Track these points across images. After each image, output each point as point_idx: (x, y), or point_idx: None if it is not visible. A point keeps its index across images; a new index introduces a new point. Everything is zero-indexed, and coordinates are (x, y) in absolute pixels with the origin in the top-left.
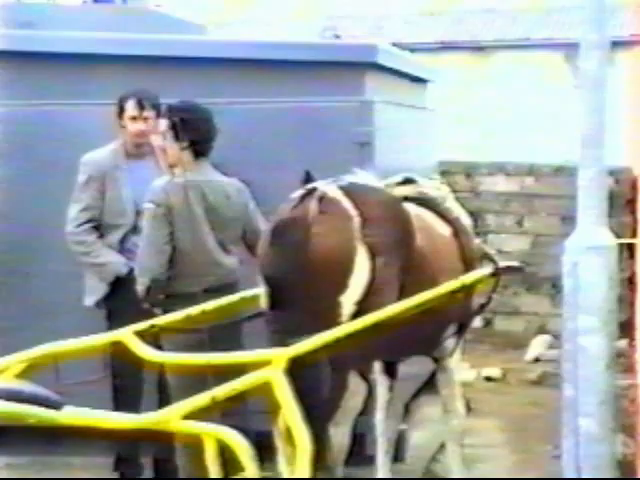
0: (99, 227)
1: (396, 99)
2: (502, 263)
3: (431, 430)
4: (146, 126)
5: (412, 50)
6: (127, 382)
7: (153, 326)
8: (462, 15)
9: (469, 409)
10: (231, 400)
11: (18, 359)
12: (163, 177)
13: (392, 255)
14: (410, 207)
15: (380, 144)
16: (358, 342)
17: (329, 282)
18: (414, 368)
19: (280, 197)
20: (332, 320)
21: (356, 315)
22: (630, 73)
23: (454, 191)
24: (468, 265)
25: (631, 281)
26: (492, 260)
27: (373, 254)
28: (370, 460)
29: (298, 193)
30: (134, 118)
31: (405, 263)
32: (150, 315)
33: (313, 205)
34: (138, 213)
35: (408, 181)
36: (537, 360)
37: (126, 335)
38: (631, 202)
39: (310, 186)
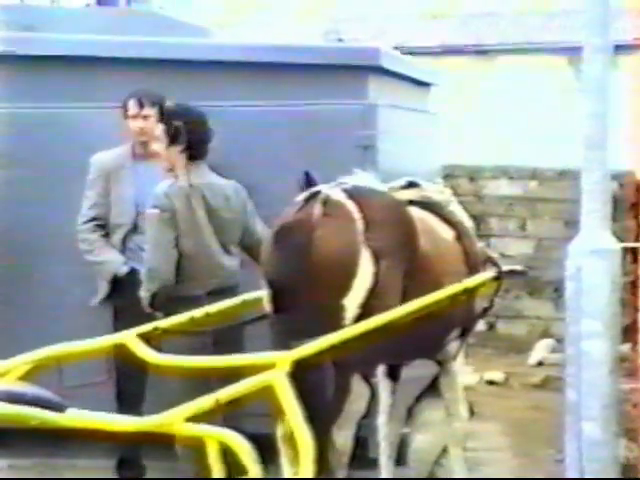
0: (105, 226)
1: (399, 102)
2: (505, 267)
3: (434, 434)
4: (146, 124)
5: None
6: (131, 384)
7: (156, 328)
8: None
9: (472, 413)
10: (234, 403)
11: (21, 361)
12: (165, 181)
13: (396, 258)
14: (413, 211)
15: (383, 147)
16: (361, 345)
17: (332, 285)
18: (417, 371)
19: (283, 200)
20: (335, 323)
21: (359, 318)
22: (633, 77)
23: (457, 195)
24: (471, 269)
25: (634, 285)
26: (495, 264)
27: (377, 257)
28: (373, 463)
29: (302, 196)
30: (134, 116)
31: (409, 266)
32: (154, 316)
33: (317, 208)
34: (139, 214)
35: (411, 185)
36: (540, 364)
37: (129, 338)
38: (634, 206)
39: (314, 189)
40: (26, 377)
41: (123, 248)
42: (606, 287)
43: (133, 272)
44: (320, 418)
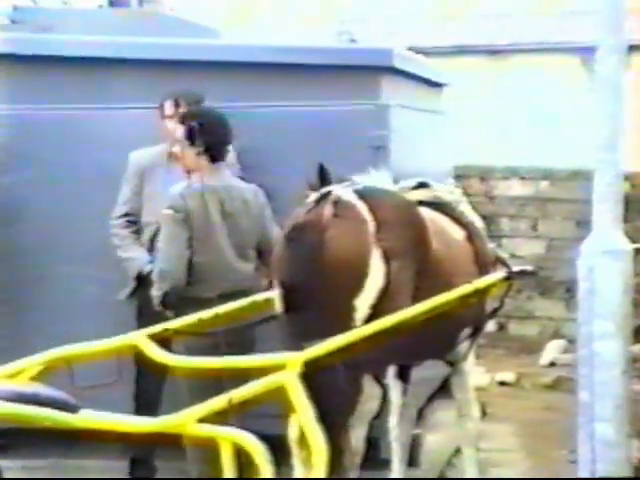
0: (137, 222)
1: (411, 103)
2: (516, 267)
3: (445, 434)
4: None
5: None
6: (148, 384)
7: (167, 329)
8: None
9: (484, 413)
10: (246, 404)
11: (33, 362)
12: (181, 183)
13: (407, 259)
14: (424, 211)
15: (395, 148)
16: (373, 346)
17: (344, 286)
18: (428, 372)
19: (294, 201)
20: (347, 324)
21: (370, 319)
22: (637, 76)
23: (469, 195)
24: (482, 269)
25: None
26: (505, 264)
27: (388, 258)
28: (385, 464)
29: (313, 197)
30: (170, 117)
31: (420, 267)
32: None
33: (328, 209)
34: None
35: (422, 185)
36: (552, 364)
37: (140, 338)
38: None
39: (324, 190)
40: (38, 378)
41: (151, 247)
42: (618, 288)
43: None
44: (331, 419)
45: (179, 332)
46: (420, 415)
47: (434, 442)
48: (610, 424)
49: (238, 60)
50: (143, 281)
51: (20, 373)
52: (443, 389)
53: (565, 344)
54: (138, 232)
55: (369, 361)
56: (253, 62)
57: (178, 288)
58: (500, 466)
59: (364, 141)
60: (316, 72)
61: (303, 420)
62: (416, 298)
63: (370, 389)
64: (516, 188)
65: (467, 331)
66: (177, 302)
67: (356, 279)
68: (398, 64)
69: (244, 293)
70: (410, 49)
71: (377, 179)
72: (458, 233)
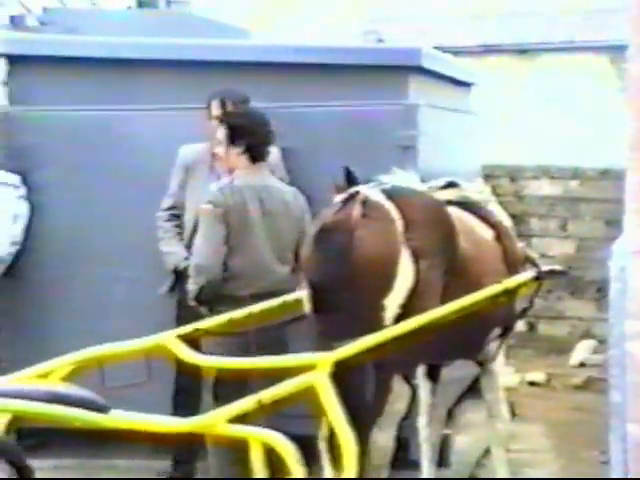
0: (180, 217)
1: (440, 102)
2: (545, 267)
3: (475, 435)
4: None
5: (455, 53)
6: (188, 385)
7: (197, 330)
8: (506, 18)
9: (513, 414)
10: (275, 404)
11: (64, 362)
12: (223, 180)
13: (435, 258)
14: (453, 210)
15: (424, 148)
16: (402, 345)
17: (373, 285)
18: (457, 372)
19: (323, 201)
20: (376, 323)
21: (400, 318)
22: None
23: (498, 195)
24: (511, 269)
25: None
26: (535, 264)
27: (416, 257)
28: (414, 465)
29: (340, 197)
30: (217, 117)
31: (448, 266)
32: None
33: (356, 209)
34: None
35: (450, 185)
36: (582, 365)
37: (170, 339)
38: None
39: (353, 190)
40: (68, 378)
41: (190, 242)
42: None
43: None
44: (361, 419)
45: (209, 332)
46: (450, 415)
47: (464, 442)
48: None
49: (266, 61)
50: (181, 276)
51: (51, 373)
52: (473, 389)
53: (595, 344)
54: (181, 227)
55: (398, 361)
56: (282, 62)
57: (213, 283)
58: (530, 467)
59: (392, 141)
60: (344, 72)
61: (333, 420)
62: (445, 298)
63: (399, 389)
64: (546, 187)
65: (497, 331)
66: (212, 298)
67: (385, 279)
68: (426, 64)
69: (278, 295)
70: (438, 48)
71: (405, 179)
72: (487, 233)
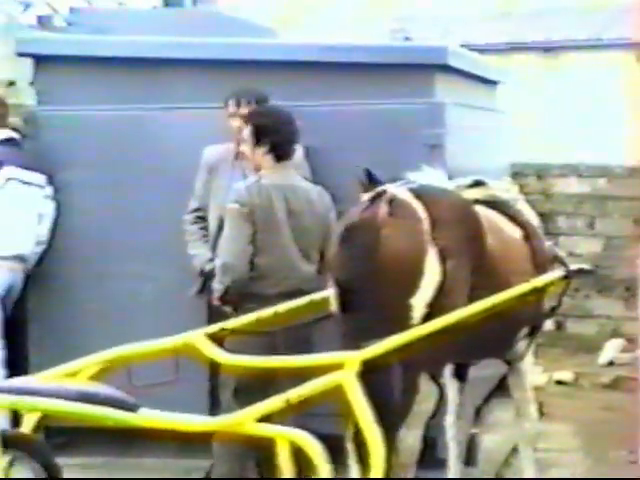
0: (206, 219)
1: (466, 101)
2: (573, 266)
3: (503, 434)
4: (242, 123)
5: (481, 51)
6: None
7: (224, 329)
8: (532, 16)
9: (541, 413)
10: (303, 403)
11: (92, 361)
12: (248, 179)
13: (462, 257)
14: (480, 210)
15: (451, 146)
16: (429, 345)
17: (400, 284)
18: (485, 371)
19: (350, 200)
20: (403, 323)
21: (427, 318)
22: None
23: (525, 193)
24: (539, 268)
25: None
26: (563, 263)
27: (443, 256)
28: (442, 464)
29: (367, 196)
30: (232, 115)
31: (475, 265)
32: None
33: (383, 208)
34: None
35: (477, 183)
36: (611, 364)
37: (197, 337)
38: None
39: (379, 189)
40: (97, 377)
41: (215, 243)
42: None
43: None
44: (388, 418)
45: (237, 331)
46: (477, 414)
47: (491, 442)
48: None
49: (293, 59)
50: (209, 278)
51: (79, 372)
52: (500, 388)
53: (624, 343)
54: (206, 228)
55: (426, 360)
56: (309, 61)
57: (239, 283)
58: (558, 466)
59: (419, 139)
60: (371, 71)
61: (361, 419)
62: (472, 297)
63: (427, 388)
64: (573, 186)
65: (525, 330)
66: (237, 298)
67: (412, 278)
68: (453, 62)
69: (304, 293)
70: (464, 46)
71: (432, 177)
72: (515, 232)
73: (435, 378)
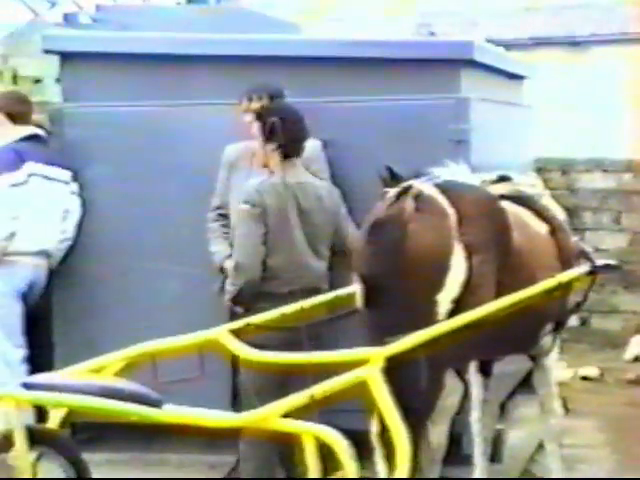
0: (227, 216)
1: (492, 96)
2: (599, 261)
3: (528, 430)
4: (253, 118)
5: (507, 46)
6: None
7: (248, 324)
8: (557, 10)
9: (567, 409)
10: (327, 399)
11: (117, 357)
12: (258, 178)
13: (489, 253)
14: (506, 205)
15: (476, 142)
16: (455, 341)
17: (425, 280)
18: (510, 367)
19: (375, 195)
20: (428, 318)
21: (453, 313)
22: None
23: (550, 188)
24: (565, 263)
25: None
26: (589, 258)
27: (470, 252)
28: (467, 460)
29: (394, 191)
30: (245, 111)
31: (502, 261)
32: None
33: (409, 203)
34: None
35: (504, 179)
36: (636, 359)
37: (222, 333)
38: None
39: (405, 184)
40: (121, 373)
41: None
42: None
43: None
44: (414, 414)
45: (261, 327)
46: (503, 410)
47: (517, 438)
48: None
49: (319, 55)
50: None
51: (104, 368)
52: (526, 384)
53: None
54: (228, 225)
55: (451, 356)
56: (334, 57)
57: (252, 284)
58: (584, 462)
59: (445, 135)
60: (396, 66)
61: (386, 415)
62: (499, 292)
63: (452, 384)
64: (599, 181)
65: (550, 326)
66: (250, 298)
67: (438, 273)
68: (478, 57)
69: (317, 291)
70: (490, 41)
71: (457, 172)
72: (541, 227)
73: (460, 374)
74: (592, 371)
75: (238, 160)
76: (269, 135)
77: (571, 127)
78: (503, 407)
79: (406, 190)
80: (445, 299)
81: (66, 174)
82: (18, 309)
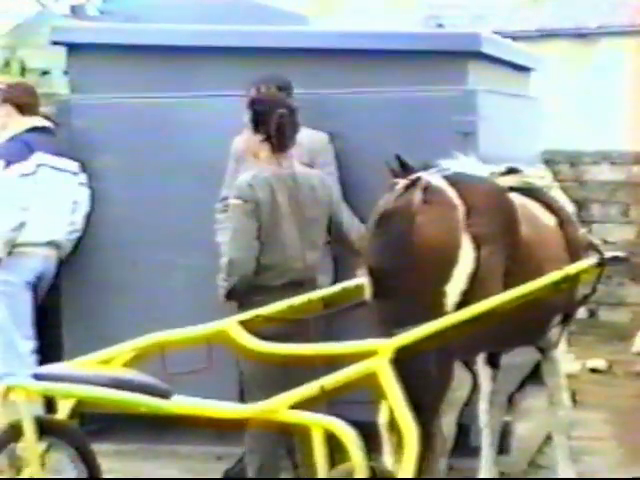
0: None
1: (499, 88)
2: (607, 253)
3: (536, 421)
4: None
5: (515, 38)
6: None
7: (257, 316)
8: (565, 2)
9: (575, 401)
10: (336, 390)
11: (126, 348)
12: (249, 172)
13: (497, 245)
14: (515, 197)
15: (484, 134)
16: (463, 332)
17: (434, 272)
18: (518, 358)
19: (382, 187)
20: (437, 310)
21: (461, 305)
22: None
23: (558, 180)
24: (573, 255)
25: None
26: (597, 250)
27: (478, 244)
28: (475, 451)
29: (402, 183)
30: None
31: (510, 253)
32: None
33: (417, 195)
34: None
35: (512, 171)
36: None
37: (231, 325)
38: None
39: (414, 176)
40: (130, 364)
41: None
42: None
43: None
44: (422, 405)
45: (270, 319)
46: (511, 402)
47: (525, 429)
48: None
49: (327, 47)
50: None
51: (113, 359)
52: (534, 376)
53: None
54: None
55: (460, 347)
56: (342, 49)
57: (245, 279)
58: (592, 454)
59: (452, 127)
60: (403, 58)
61: (394, 407)
62: (507, 284)
63: (460, 375)
64: (607, 173)
65: (558, 317)
66: (243, 293)
67: (446, 265)
68: (486, 49)
69: (311, 282)
70: (497, 33)
71: (466, 164)
72: (549, 219)
73: (468, 365)
74: (600, 363)
75: (244, 152)
76: (259, 126)
77: (579, 119)
78: (511, 399)
79: (414, 182)
80: (453, 291)
81: (74, 165)
82: (28, 300)
